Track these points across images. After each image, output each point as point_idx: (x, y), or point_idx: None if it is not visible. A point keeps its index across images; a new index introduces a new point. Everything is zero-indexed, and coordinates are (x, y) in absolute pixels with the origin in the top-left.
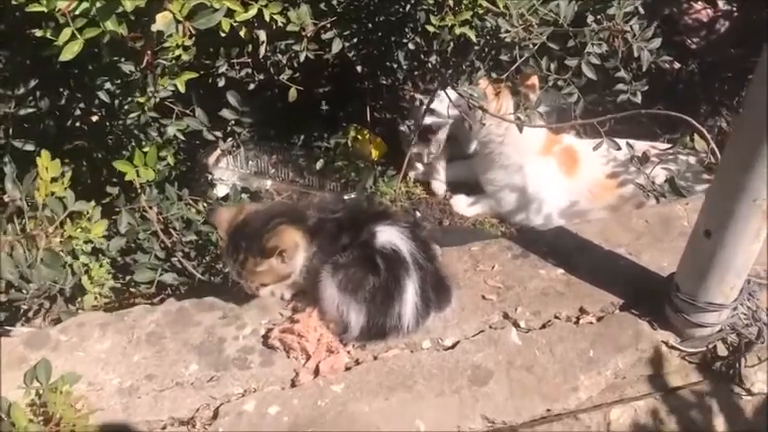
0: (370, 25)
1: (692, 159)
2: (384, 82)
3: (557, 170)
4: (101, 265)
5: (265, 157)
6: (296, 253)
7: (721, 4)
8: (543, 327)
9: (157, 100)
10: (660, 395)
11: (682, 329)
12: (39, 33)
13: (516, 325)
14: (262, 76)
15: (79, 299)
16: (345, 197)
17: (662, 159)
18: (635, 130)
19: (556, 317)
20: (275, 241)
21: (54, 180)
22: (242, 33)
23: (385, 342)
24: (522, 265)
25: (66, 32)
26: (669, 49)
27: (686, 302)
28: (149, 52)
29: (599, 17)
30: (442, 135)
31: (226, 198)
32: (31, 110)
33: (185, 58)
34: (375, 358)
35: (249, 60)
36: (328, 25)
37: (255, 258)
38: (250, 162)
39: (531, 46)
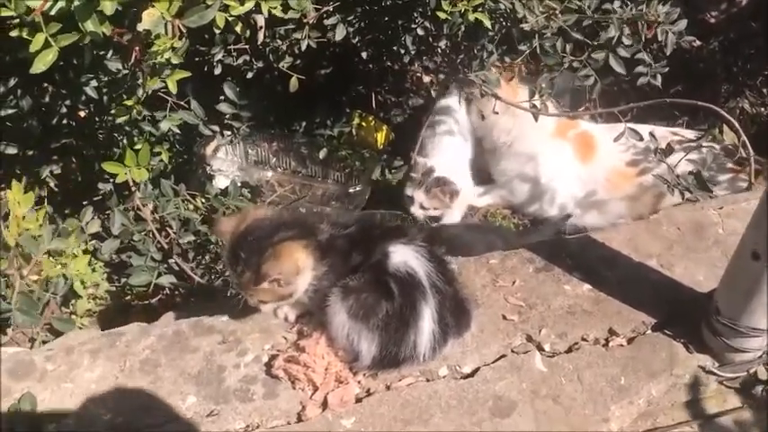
0: (375, 7)
1: (716, 146)
2: (390, 65)
3: (572, 157)
4: (93, 270)
5: (265, 144)
6: (296, 278)
7: None
8: (569, 350)
9: (149, 93)
10: (697, 423)
11: (720, 353)
12: (14, 34)
13: (540, 348)
14: (261, 64)
15: (73, 301)
16: (351, 190)
17: (688, 152)
18: (653, 111)
19: (583, 339)
20: (269, 267)
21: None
22: (238, 29)
23: (398, 371)
24: (546, 279)
25: (39, 39)
26: (688, 26)
27: (727, 327)
28: (137, 48)
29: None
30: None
31: (225, 192)
32: (11, 110)
33: (175, 61)
34: (388, 388)
35: (247, 47)
36: (331, 9)
37: (253, 276)
38: (250, 152)
39: (550, 34)
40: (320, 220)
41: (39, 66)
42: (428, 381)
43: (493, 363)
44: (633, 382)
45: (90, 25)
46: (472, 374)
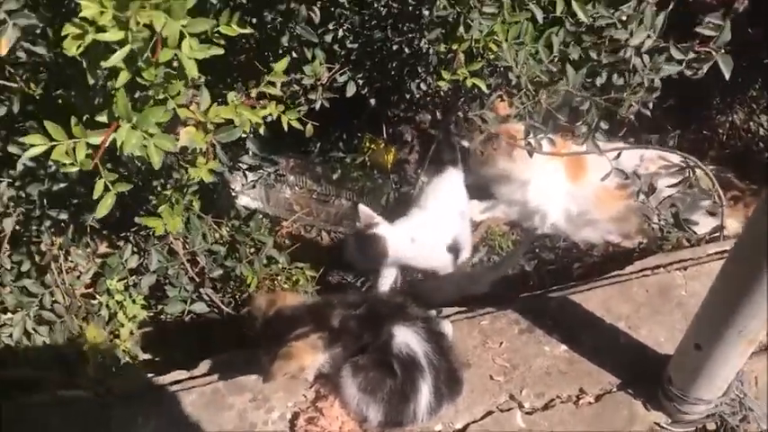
0: (383, 66)
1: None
2: (396, 100)
3: (564, 178)
4: (134, 301)
5: (283, 162)
6: (301, 373)
7: None
8: (545, 408)
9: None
10: None
11: (673, 413)
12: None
13: (521, 407)
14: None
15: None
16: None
17: (664, 199)
18: (645, 127)
19: (558, 397)
20: (279, 367)
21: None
22: (261, 130)
23: (401, 429)
24: (528, 341)
25: (100, 186)
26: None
27: (677, 396)
28: None
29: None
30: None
31: (249, 218)
32: (63, 184)
33: (208, 179)
34: None
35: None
36: (343, 69)
37: (270, 365)
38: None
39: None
40: (335, 305)
41: (102, 211)
42: None
43: (480, 420)
44: None
45: (137, 151)
46: (463, 430)
